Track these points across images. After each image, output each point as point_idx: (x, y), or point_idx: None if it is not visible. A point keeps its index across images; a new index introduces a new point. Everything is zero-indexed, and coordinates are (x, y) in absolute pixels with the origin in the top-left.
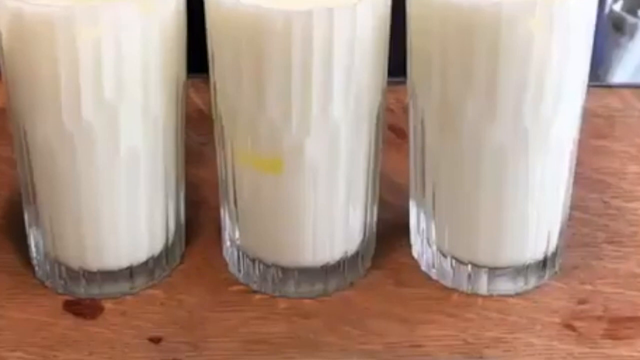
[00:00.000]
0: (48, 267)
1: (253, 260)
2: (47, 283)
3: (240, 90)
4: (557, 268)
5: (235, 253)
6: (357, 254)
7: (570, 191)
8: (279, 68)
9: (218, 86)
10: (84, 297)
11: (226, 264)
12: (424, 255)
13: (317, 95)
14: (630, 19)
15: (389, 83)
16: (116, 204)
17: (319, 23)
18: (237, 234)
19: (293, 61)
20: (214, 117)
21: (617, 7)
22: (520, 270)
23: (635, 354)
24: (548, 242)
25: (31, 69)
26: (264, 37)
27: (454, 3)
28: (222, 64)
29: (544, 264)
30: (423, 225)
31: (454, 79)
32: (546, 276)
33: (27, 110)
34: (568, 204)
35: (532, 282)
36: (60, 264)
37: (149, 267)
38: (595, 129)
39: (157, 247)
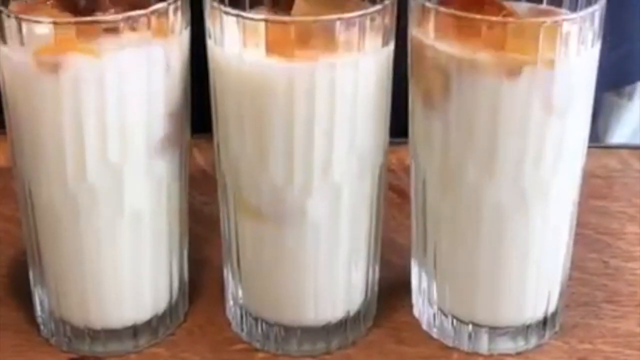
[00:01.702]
0: (53, 325)
1: (256, 319)
2: (52, 341)
3: (243, 150)
4: (557, 327)
5: (238, 312)
6: (358, 313)
7: (570, 251)
8: (281, 126)
9: (221, 146)
10: (88, 355)
11: (229, 323)
12: (425, 315)
13: (319, 155)
14: None
15: (391, 143)
16: (120, 263)
17: (321, 78)
18: (240, 293)
19: (295, 118)
20: (217, 176)
21: None
22: (521, 330)
23: None
24: (548, 301)
25: (36, 129)
26: (266, 92)
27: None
28: (225, 124)
29: (544, 323)
30: (424, 284)
31: (455, 140)
32: (546, 335)
33: (31, 170)
34: (568, 263)
35: (533, 341)
36: (64, 322)
37: (153, 326)
38: (594, 190)
39: (161, 305)
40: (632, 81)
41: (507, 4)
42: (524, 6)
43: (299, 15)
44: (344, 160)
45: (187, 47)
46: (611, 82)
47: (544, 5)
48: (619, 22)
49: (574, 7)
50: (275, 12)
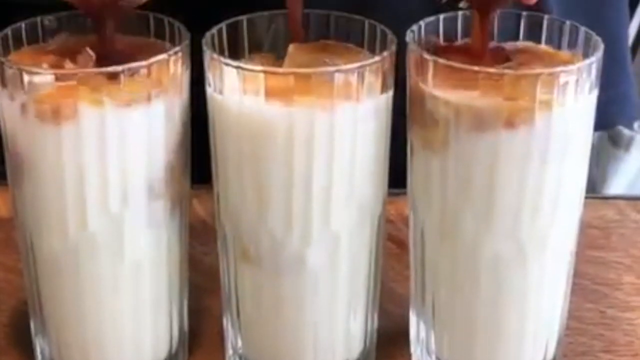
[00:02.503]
0: None
1: None
2: None
3: (243, 201)
4: None
5: None
6: None
7: (568, 301)
8: (281, 174)
9: (221, 196)
10: None
11: None
12: None
13: (319, 205)
14: (626, 131)
15: (389, 194)
16: (120, 313)
17: (320, 124)
18: (239, 343)
19: (295, 165)
20: (217, 226)
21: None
22: None
23: None
24: (546, 351)
25: (37, 178)
26: (265, 138)
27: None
28: (225, 172)
29: None
30: (423, 334)
31: (453, 190)
32: None
33: (33, 220)
34: (565, 313)
35: None
36: None
37: None
38: (591, 240)
39: (161, 355)
40: (613, 125)
41: (507, 46)
42: (522, 47)
43: (293, 62)
44: (343, 210)
45: (188, 98)
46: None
47: (542, 45)
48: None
49: (573, 46)
50: (276, 57)
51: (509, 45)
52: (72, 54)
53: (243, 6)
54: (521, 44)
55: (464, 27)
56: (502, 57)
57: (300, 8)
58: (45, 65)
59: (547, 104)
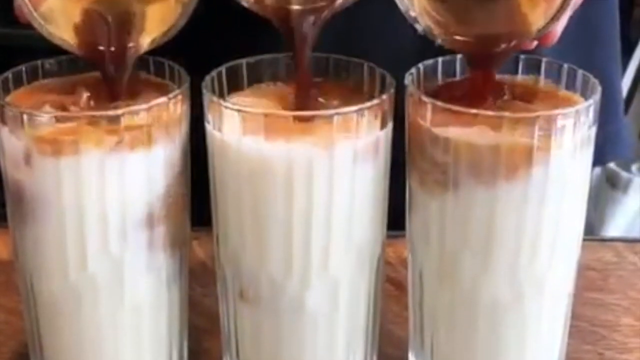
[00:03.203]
0: None
1: None
2: None
3: (243, 244)
4: None
5: None
6: None
7: (565, 343)
8: (280, 215)
9: (221, 239)
10: None
11: None
12: None
13: (318, 247)
14: (623, 174)
15: (388, 236)
16: (120, 355)
17: (319, 161)
18: None
19: (294, 205)
20: (216, 268)
21: (611, 162)
22: None
23: None
24: None
25: (37, 220)
26: (265, 177)
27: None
28: (224, 212)
29: None
30: None
31: (451, 234)
32: None
33: (33, 262)
34: (563, 356)
35: None
36: None
37: None
38: (589, 282)
39: None
40: (604, 162)
41: (507, 82)
42: (521, 82)
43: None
44: (343, 253)
45: (187, 139)
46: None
47: (542, 81)
48: None
49: (571, 88)
50: (275, 90)
51: (508, 79)
52: (73, 93)
53: (243, 50)
54: (520, 78)
55: (463, 69)
56: (501, 93)
57: (308, 54)
58: (47, 107)
59: (545, 146)
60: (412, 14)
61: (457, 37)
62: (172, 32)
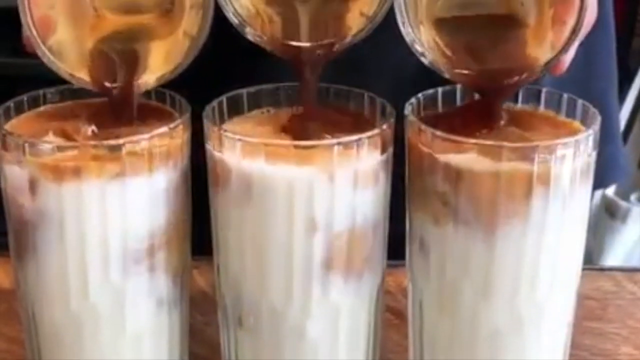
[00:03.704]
0: None
1: None
2: None
3: (244, 271)
4: None
5: None
6: None
7: None
8: (281, 241)
9: (221, 268)
10: None
11: None
12: None
13: (318, 275)
14: (622, 204)
15: (388, 266)
16: None
17: (320, 183)
18: None
19: (295, 231)
20: (217, 297)
21: (610, 191)
22: None
23: None
24: None
25: (38, 248)
26: (265, 200)
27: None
28: (225, 243)
29: None
30: None
31: (451, 263)
32: None
33: (34, 292)
34: None
35: None
36: None
37: None
38: (588, 311)
39: None
40: (599, 187)
41: (507, 109)
42: (521, 110)
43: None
44: (343, 281)
45: (188, 168)
46: None
47: (541, 108)
48: None
49: (571, 113)
50: (276, 116)
51: (508, 106)
52: (75, 119)
53: (243, 77)
54: (520, 106)
55: (462, 98)
56: (501, 120)
57: (313, 86)
58: (50, 135)
59: (545, 176)
60: (419, 47)
61: (465, 71)
62: (180, 69)
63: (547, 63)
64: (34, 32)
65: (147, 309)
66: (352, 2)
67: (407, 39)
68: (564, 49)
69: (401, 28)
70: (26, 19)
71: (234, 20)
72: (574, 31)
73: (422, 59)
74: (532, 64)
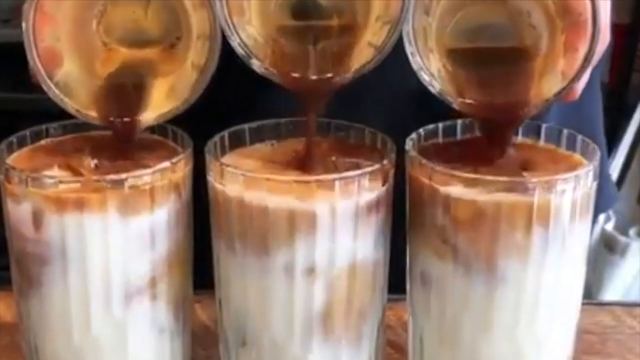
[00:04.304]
0: None
1: None
2: None
3: (245, 306)
4: None
5: None
6: None
7: None
8: (282, 275)
9: (223, 302)
10: None
11: None
12: None
13: (320, 310)
14: (621, 238)
15: (389, 300)
16: None
17: (322, 217)
18: None
19: (296, 265)
20: (219, 331)
21: (609, 226)
22: None
23: None
24: None
25: (41, 285)
26: (267, 233)
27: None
28: (227, 276)
29: None
30: None
31: (452, 299)
32: None
33: (37, 325)
34: None
35: None
36: None
37: None
38: (588, 346)
39: None
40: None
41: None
42: (521, 142)
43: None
44: (344, 315)
45: (190, 199)
46: None
47: (541, 143)
48: None
49: (572, 146)
50: (277, 149)
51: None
52: (78, 151)
53: (245, 112)
54: (521, 139)
55: (463, 133)
56: (502, 152)
57: (315, 118)
58: (54, 167)
59: (545, 210)
60: (426, 76)
61: (474, 102)
62: (188, 103)
63: (558, 93)
64: (39, 66)
65: (149, 340)
66: (360, 33)
67: (415, 67)
68: (576, 77)
69: (409, 57)
70: (31, 53)
71: (240, 51)
72: (587, 58)
73: (430, 88)
74: (543, 96)
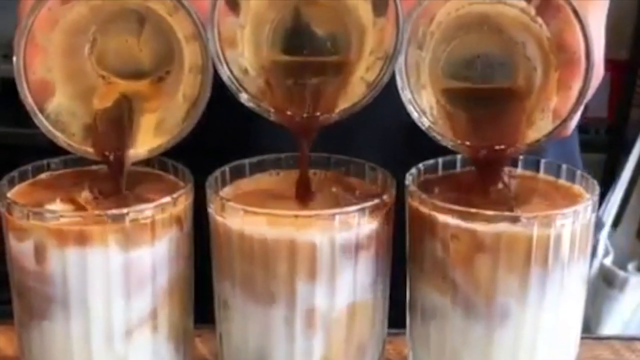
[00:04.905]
0: None
1: None
2: None
3: (246, 342)
4: None
5: None
6: None
7: None
8: (283, 309)
9: (224, 337)
10: None
11: None
12: None
13: (320, 345)
14: (620, 273)
15: (388, 334)
16: None
17: (322, 245)
18: None
19: (297, 299)
20: None
21: (608, 261)
22: None
23: None
24: None
25: (43, 320)
26: (268, 265)
27: None
28: (228, 316)
29: None
30: None
31: (451, 335)
32: None
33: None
34: None
35: None
36: None
37: None
38: None
39: None
40: None
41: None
42: (521, 174)
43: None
44: (343, 349)
45: (191, 232)
46: None
47: (541, 174)
48: None
49: (571, 178)
50: (278, 180)
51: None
52: (79, 185)
53: (244, 152)
54: (520, 171)
55: (462, 167)
56: (502, 185)
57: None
58: (56, 202)
59: (544, 245)
60: (415, 112)
61: (464, 142)
62: (181, 136)
63: (550, 133)
64: (30, 99)
65: None
66: (353, 68)
67: (404, 102)
68: (569, 116)
69: (400, 92)
70: (22, 86)
71: (229, 83)
72: (580, 96)
73: (419, 124)
74: (534, 136)
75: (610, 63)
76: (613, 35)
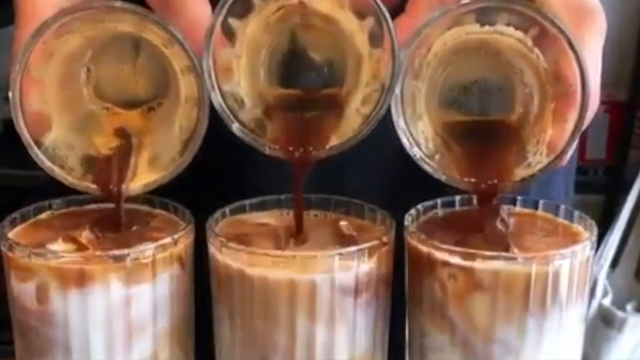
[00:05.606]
0: None
1: None
2: None
3: None
4: None
5: None
6: None
7: None
8: (283, 345)
9: None
10: None
11: None
12: None
13: None
14: (619, 313)
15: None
16: None
17: (323, 285)
18: None
19: (297, 338)
20: None
21: (607, 301)
22: None
23: None
24: None
25: (44, 358)
26: (268, 305)
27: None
28: (229, 355)
29: None
30: None
31: (450, 355)
32: None
33: None
34: None
35: None
36: None
37: None
38: None
39: None
40: None
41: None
42: (519, 211)
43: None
44: None
45: (192, 272)
46: None
47: (540, 211)
48: None
49: (569, 217)
50: (279, 215)
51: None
52: (80, 224)
53: (244, 195)
54: (519, 209)
55: (461, 206)
56: (501, 223)
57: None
58: (58, 242)
59: (542, 284)
60: (407, 142)
61: (457, 176)
62: (173, 174)
63: (545, 167)
64: (25, 132)
65: None
66: (349, 100)
67: (398, 132)
68: (565, 150)
69: (395, 122)
70: (18, 120)
71: (221, 112)
72: (576, 128)
73: (411, 154)
74: (529, 171)
75: (609, 104)
76: (612, 76)
